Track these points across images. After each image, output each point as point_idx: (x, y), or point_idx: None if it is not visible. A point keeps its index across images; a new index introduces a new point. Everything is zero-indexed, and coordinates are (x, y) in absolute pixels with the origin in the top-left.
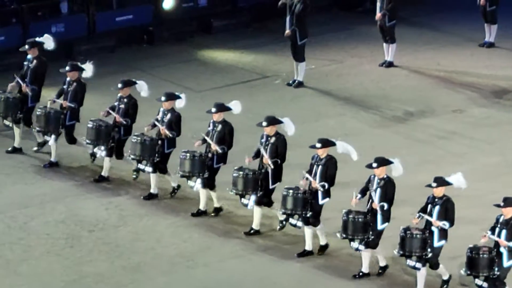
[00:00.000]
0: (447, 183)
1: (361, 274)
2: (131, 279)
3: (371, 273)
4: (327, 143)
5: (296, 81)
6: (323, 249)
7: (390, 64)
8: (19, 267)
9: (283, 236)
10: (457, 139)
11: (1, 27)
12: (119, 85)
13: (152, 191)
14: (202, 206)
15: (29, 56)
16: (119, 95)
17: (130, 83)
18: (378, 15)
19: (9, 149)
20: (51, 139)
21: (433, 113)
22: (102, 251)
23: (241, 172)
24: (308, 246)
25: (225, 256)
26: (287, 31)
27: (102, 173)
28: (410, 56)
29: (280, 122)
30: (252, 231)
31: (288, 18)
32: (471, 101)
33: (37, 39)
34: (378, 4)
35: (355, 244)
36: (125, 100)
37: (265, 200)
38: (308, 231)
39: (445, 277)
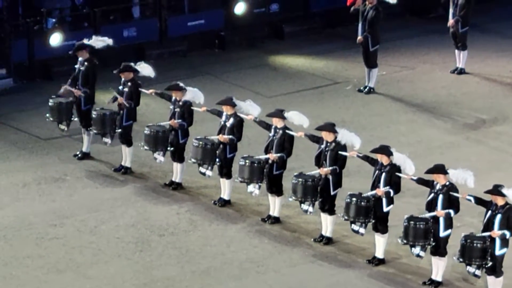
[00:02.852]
0: (502, 194)
1: (429, 282)
2: (200, 284)
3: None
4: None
5: (368, 87)
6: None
7: (461, 71)
8: (89, 271)
9: (352, 243)
10: None
11: (73, 31)
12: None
13: (223, 196)
14: (271, 212)
15: (80, 59)
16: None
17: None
18: (451, 21)
19: (78, 153)
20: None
21: (505, 120)
22: (172, 255)
23: (300, 179)
24: (379, 254)
25: (295, 261)
26: (359, 37)
27: (173, 178)
28: (482, 63)
29: (336, 132)
30: (323, 239)
31: (360, 24)
32: None
33: (85, 41)
34: (451, 11)
35: (416, 250)
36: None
37: (327, 207)
38: (378, 238)
39: None
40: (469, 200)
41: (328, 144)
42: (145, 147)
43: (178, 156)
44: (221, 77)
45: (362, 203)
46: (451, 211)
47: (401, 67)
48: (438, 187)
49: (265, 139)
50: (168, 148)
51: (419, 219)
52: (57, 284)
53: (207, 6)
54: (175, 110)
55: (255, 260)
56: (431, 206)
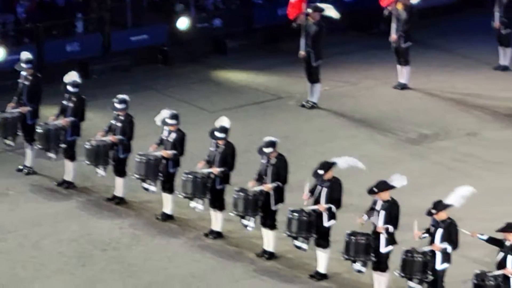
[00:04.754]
0: (447, 206)
1: None
2: None
3: None
4: (328, 166)
5: (310, 103)
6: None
7: (404, 87)
8: (32, 285)
9: (295, 258)
10: (471, 162)
11: (16, 46)
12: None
13: (165, 210)
14: (213, 227)
15: (23, 73)
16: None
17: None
18: (393, 36)
19: (21, 167)
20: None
21: (447, 135)
22: (114, 270)
23: (242, 193)
24: (321, 269)
25: (237, 276)
26: (302, 52)
27: (115, 193)
28: (424, 78)
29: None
30: (265, 254)
31: (302, 39)
32: (486, 123)
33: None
34: (393, 26)
35: (357, 266)
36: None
37: (268, 222)
38: (320, 253)
39: None
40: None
41: (270, 159)
42: (87, 162)
43: (120, 171)
44: (165, 92)
45: (304, 218)
46: (389, 227)
47: (344, 82)
48: (380, 202)
49: (207, 153)
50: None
51: (360, 234)
52: None
53: (150, 21)
54: (116, 124)
55: (197, 275)
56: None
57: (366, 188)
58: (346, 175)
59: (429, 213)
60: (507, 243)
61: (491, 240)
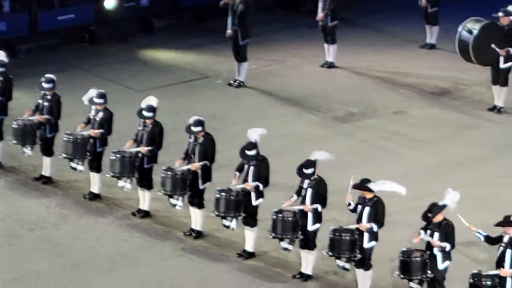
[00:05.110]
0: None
1: (299, 275)
2: (70, 278)
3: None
4: (253, 145)
5: (238, 81)
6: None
7: (331, 65)
8: None
9: (223, 237)
10: (398, 140)
11: None
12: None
13: (92, 189)
14: (141, 206)
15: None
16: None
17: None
18: (320, 15)
19: None
20: None
21: (374, 114)
22: (42, 249)
23: (169, 173)
24: (248, 247)
25: (165, 255)
26: (229, 31)
27: (42, 172)
28: (352, 57)
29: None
30: (193, 233)
31: (229, 18)
32: (413, 102)
33: None
34: (320, 5)
35: (284, 244)
36: (49, 97)
37: (196, 201)
38: (248, 232)
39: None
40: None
41: (197, 138)
42: (14, 141)
43: (47, 150)
44: (92, 71)
45: (232, 197)
46: (319, 206)
47: (271, 61)
48: (307, 181)
49: (135, 132)
50: (37, 143)
51: (287, 212)
52: None
53: (77, 1)
54: (44, 104)
55: (125, 254)
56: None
57: (294, 166)
58: (273, 153)
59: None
60: (506, 238)
61: (488, 239)
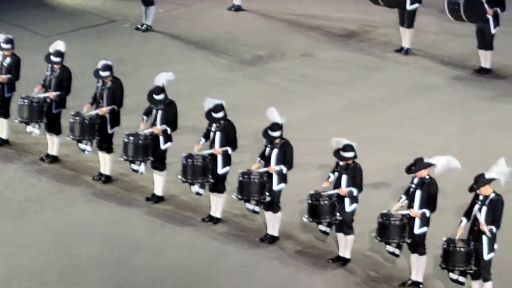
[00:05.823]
0: (428, 165)
1: (208, 218)
2: None
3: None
4: (160, 89)
5: (145, 25)
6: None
7: (238, 8)
8: None
9: (131, 181)
10: (306, 82)
11: None
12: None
13: (0, 135)
14: (50, 151)
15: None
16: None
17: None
18: None
19: None
20: None
21: (282, 56)
22: None
23: (78, 118)
24: (158, 191)
25: (75, 200)
26: None
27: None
28: (259, 0)
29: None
30: (102, 177)
31: None
32: (320, 44)
33: None
34: None
35: (195, 188)
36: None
37: (105, 146)
38: (156, 176)
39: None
40: None
41: (105, 83)
42: None
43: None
44: None
45: (140, 141)
46: (228, 149)
47: (178, 4)
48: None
49: (43, 77)
50: None
51: (197, 157)
52: None
53: None
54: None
55: (34, 199)
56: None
57: (202, 110)
58: (182, 97)
59: (408, 170)
60: (416, 179)
61: (469, 215)
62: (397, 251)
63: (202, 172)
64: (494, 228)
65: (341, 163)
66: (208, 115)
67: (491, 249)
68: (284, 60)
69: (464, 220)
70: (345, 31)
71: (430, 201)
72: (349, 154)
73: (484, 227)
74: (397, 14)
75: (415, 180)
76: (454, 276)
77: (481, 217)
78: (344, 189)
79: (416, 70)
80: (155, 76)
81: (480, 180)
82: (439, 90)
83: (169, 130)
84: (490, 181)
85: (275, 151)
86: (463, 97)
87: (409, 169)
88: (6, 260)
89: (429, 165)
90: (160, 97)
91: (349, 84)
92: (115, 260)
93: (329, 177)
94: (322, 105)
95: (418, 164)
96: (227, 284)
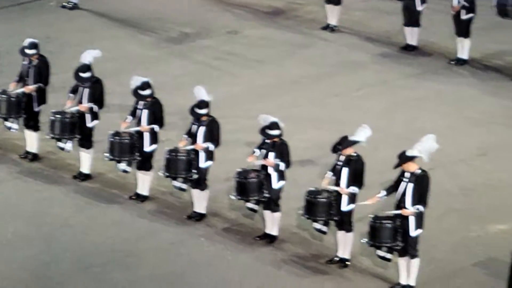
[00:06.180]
0: (353, 142)
1: (135, 196)
2: None
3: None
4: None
5: (72, 3)
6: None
7: None
8: None
9: (59, 159)
10: (232, 60)
11: None
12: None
13: None
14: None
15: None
16: None
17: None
18: None
19: None
20: None
21: (208, 34)
22: None
23: (4, 96)
24: (84, 169)
25: (1, 178)
26: None
27: None
28: None
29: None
30: (29, 155)
31: None
32: (247, 22)
33: None
34: None
35: (121, 166)
36: None
37: (31, 124)
38: (83, 154)
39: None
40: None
41: (32, 61)
42: None
43: None
44: None
45: (66, 119)
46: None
47: None
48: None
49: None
50: None
51: (124, 134)
52: None
53: None
54: None
55: None
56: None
57: (128, 88)
58: (108, 75)
59: (335, 149)
60: (342, 157)
61: (391, 190)
62: (324, 229)
63: (129, 149)
64: (420, 207)
65: (267, 140)
66: (135, 92)
67: (418, 226)
68: (210, 38)
69: (384, 192)
70: (271, 9)
71: (357, 178)
72: (275, 132)
73: (408, 212)
74: None
75: (342, 158)
76: (381, 253)
77: (407, 200)
78: (270, 160)
79: (343, 47)
80: (82, 54)
81: (403, 157)
82: (365, 67)
83: (96, 108)
84: (412, 158)
85: (202, 128)
86: (389, 74)
87: (335, 148)
88: None
89: (355, 142)
90: (86, 75)
91: (275, 61)
92: (42, 238)
93: (253, 152)
94: (249, 82)
95: (344, 143)
96: (154, 261)
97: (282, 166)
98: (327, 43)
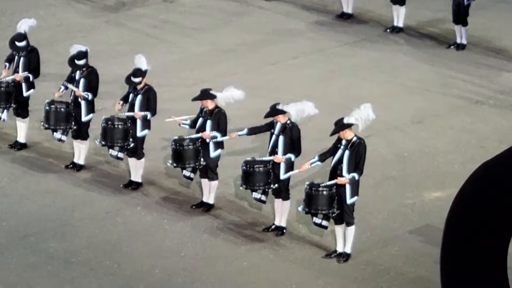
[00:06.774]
0: (282, 112)
1: (71, 165)
2: None
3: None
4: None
5: None
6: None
7: None
8: None
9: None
10: (169, 28)
11: None
12: None
13: None
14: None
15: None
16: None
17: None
18: None
19: None
20: None
21: (144, 2)
22: None
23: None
24: (21, 138)
25: None
26: None
27: None
28: None
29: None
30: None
31: None
32: None
33: None
34: None
35: (57, 135)
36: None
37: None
38: (19, 124)
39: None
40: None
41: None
42: None
43: None
44: None
45: (2, 89)
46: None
47: None
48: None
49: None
50: None
51: (59, 103)
52: None
53: None
54: None
55: None
56: None
57: (65, 57)
58: (44, 44)
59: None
60: (278, 125)
61: (325, 156)
62: (263, 198)
63: (65, 118)
64: (356, 175)
65: (205, 108)
66: (71, 62)
67: (354, 194)
68: (146, 6)
69: (316, 158)
70: None
71: (294, 146)
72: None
73: (344, 180)
74: None
75: (277, 126)
76: (317, 220)
77: (344, 167)
78: (207, 133)
79: (278, 15)
80: (17, 23)
81: (340, 125)
82: (301, 35)
83: (31, 77)
84: (348, 126)
85: (139, 97)
86: (326, 42)
87: (267, 116)
88: None
89: (282, 112)
90: (22, 44)
91: (211, 29)
92: None
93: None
94: (185, 50)
95: (272, 110)
96: (91, 230)
97: (218, 135)
98: (263, 11)
